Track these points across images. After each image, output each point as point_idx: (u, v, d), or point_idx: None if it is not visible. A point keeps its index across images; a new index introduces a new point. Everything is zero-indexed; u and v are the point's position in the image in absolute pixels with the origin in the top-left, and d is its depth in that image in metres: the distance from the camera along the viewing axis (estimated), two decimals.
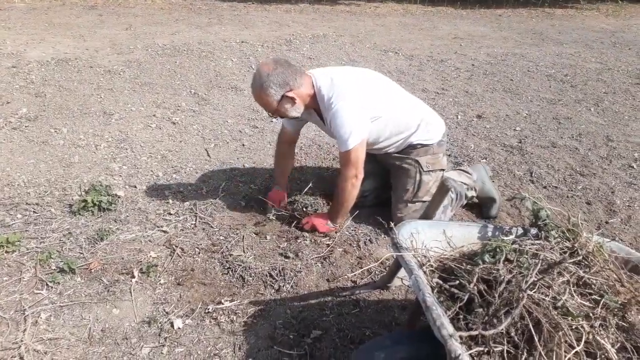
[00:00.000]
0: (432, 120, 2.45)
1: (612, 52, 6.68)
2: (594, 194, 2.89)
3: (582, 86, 5.08)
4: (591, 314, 1.15)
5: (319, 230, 2.37)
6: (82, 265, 2.07)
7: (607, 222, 2.62)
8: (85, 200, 2.43)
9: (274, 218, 2.44)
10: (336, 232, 2.38)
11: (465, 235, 1.50)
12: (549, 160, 3.32)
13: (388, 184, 2.55)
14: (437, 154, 2.44)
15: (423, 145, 2.41)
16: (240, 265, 2.11)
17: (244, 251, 2.22)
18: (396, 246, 1.35)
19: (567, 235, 1.40)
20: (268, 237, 2.32)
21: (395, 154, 2.44)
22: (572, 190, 2.93)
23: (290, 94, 2.12)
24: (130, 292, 1.95)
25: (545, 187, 2.96)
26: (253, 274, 2.07)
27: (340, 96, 2.13)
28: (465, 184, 2.57)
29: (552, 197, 2.84)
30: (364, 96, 2.20)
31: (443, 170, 2.48)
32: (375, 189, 2.58)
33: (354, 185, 2.23)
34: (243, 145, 3.32)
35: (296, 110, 2.20)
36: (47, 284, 1.95)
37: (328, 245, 2.29)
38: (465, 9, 10.17)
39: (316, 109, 2.27)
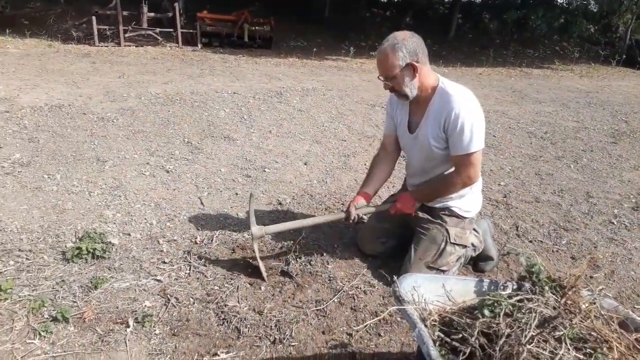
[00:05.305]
0: (478, 193, 2.47)
1: (588, 111, 7.00)
2: (578, 249, 2.99)
3: (562, 143, 5.30)
4: None
5: (407, 212, 2.39)
6: (76, 314, 2.05)
7: (591, 277, 2.70)
8: (79, 248, 2.43)
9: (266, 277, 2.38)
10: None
11: (463, 289, 1.55)
12: (533, 214, 3.43)
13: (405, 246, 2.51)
14: (465, 229, 2.43)
15: (458, 216, 2.41)
16: (236, 316, 2.11)
17: (238, 302, 2.22)
18: (398, 299, 1.39)
19: (561, 291, 1.46)
20: (262, 288, 2.33)
21: (426, 218, 2.43)
22: (556, 245, 3.02)
23: (416, 64, 2.13)
24: (125, 343, 1.93)
25: (531, 242, 3.04)
26: (248, 325, 2.07)
27: (468, 100, 2.16)
28: (474, 245, 2.50)
29: (538, 251, 2.92)
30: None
31: (466, 247, 2.44)
32: (394, 247, 2.61)
33: (464, 184, 2.28)
34: (236, 194, 3.36)
35: (411, 88, 2.20)
36: (39, 334, 1.92)
37: (322, 300, 2.31)
38: (448, 67, 10.63)
39: (422, 104, 2.27)
